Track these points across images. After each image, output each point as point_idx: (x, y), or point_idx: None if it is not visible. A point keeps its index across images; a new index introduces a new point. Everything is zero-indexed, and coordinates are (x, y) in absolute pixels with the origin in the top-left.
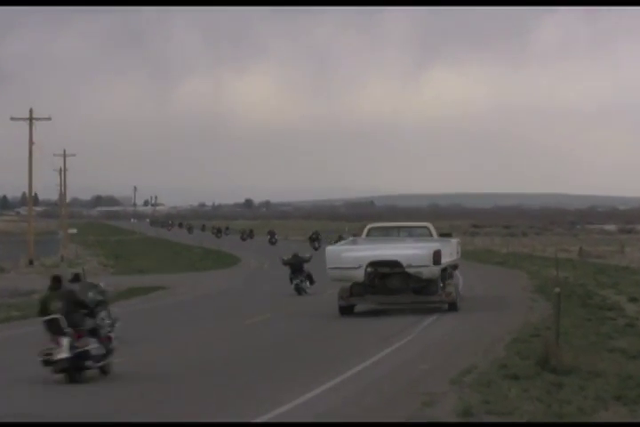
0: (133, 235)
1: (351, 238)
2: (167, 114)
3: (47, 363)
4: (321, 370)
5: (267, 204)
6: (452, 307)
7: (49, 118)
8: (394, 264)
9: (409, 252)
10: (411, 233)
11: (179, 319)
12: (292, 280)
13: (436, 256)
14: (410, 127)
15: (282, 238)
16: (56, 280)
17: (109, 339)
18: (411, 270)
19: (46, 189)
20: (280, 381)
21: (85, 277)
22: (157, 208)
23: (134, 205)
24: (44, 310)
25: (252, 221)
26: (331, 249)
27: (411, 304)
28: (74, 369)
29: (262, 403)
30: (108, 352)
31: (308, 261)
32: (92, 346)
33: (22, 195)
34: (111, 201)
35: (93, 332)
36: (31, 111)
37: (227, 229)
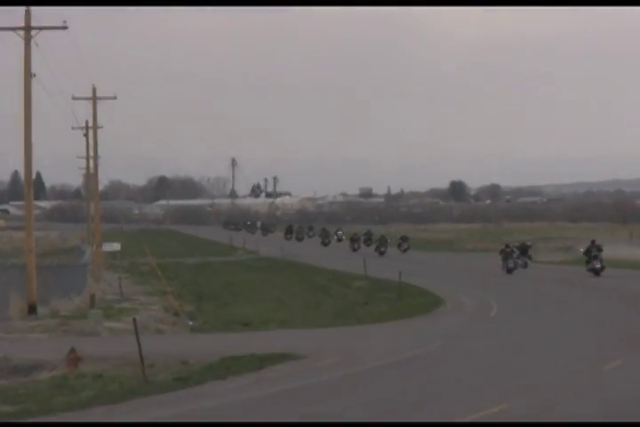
0: (232, 253)
1: None
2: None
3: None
4: None
5: (492, 190)
6: None
7: (64, 27)
8: None
9: None
10: None
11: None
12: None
13: None
14: None
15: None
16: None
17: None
18: None
19: (60, 167)
20: None
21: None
22: (278, 201)
23: (233, 195)
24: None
25: (469, 225)
26: None
27: None
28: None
29: None
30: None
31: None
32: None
33: (13, 177)
34: (187, 188)
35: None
36: (28, 13)
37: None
